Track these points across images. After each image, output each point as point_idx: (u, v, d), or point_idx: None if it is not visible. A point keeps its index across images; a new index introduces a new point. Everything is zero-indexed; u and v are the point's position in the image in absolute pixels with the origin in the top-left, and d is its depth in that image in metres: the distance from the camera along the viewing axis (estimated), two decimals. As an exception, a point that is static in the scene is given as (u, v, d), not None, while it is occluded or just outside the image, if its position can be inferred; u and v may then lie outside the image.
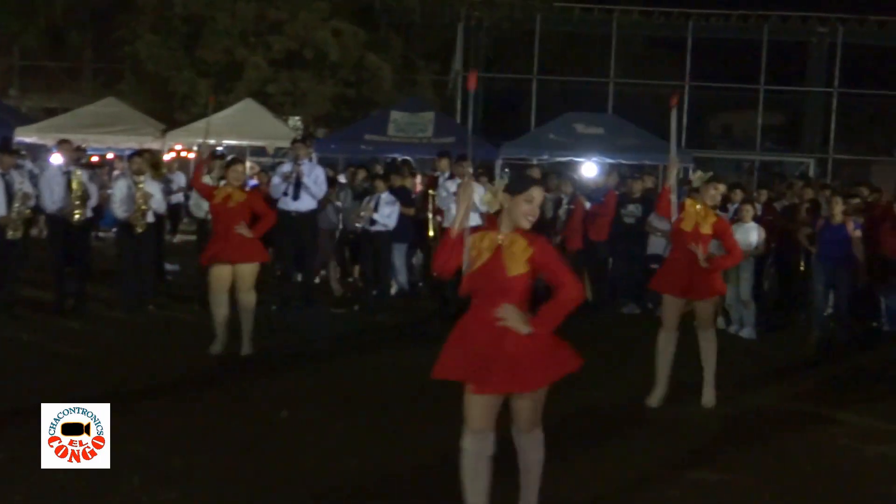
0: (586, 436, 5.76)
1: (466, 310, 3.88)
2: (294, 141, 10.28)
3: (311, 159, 10.75)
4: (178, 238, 15.82)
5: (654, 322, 7.42)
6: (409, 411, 6.06)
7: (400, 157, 15.35)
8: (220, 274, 7.39)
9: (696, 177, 6.66)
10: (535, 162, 17.80)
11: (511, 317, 3.66)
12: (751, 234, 9.23)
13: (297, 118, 22.46)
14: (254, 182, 11.72)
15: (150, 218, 9.32)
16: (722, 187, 6.58)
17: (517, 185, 3.81)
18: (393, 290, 10.75)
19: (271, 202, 10.42)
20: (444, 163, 10.09)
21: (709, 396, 6.44)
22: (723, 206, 10.00)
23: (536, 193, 3.76)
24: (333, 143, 17.89)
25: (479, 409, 3.78)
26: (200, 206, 9.48)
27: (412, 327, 9.13)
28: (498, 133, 20.67)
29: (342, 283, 11.22)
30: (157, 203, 9.39)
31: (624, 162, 17.20)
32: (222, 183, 7.80)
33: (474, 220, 9.15)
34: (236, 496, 4.55)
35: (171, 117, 21.16)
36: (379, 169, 12.51)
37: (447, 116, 20.21)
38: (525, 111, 23.31)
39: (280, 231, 9.88)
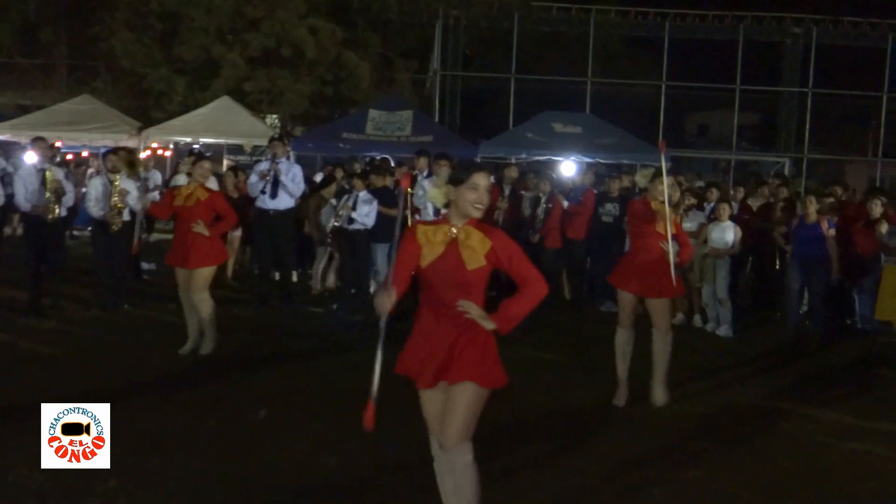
0: (563, 436, 5.77)
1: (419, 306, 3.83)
2: (271, 139, 10.22)
3: (288, 157, 10.71)
4: (153, 237, 15.69)
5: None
6: (388, 411, 6.02)
7: (378, 156, 15.31)
8: (180, 277, 7.45)
9: (640, 175, 6.69)
10: (513, 160, 17.82)
11: (473, 311, 3.58)
12: (727, 233, 9.31)
13: (274, 116, 22.35)
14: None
15: (125, 216, 9.25)
16: (670, 180, 6.53)
17: (460, 174, 3.71)
18: (372, 289, 10.72)
19: (249, 201, 10.38)
20: (423, 161, 10.07)
21: (658, 394, 6.39)
22: (699, 206, 10.10)
23: (481, 180, 3.64)
24: (311, 141, 17.79)
25: (429, 409, 3.76)
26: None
27: (391, 327, 9.09)
28: (476, 131, 20.70)
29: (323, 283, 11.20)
30: (133, 200, 9.31)
31: (602, 161, 17.25)
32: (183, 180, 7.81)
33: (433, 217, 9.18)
34: (214, 497, 4.51)
35: (146, 115, 21.00)
36: (357, 167, 12.48)
37: (425, 115, 20.17)
38: (503, 110, 23.35)
39: (258, 229, 9.86)
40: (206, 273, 7.40)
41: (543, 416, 6.14)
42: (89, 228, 11.39)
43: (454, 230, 3.67)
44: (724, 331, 9.33)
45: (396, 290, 3.66)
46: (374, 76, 22.55)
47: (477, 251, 3.62)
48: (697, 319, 9.79)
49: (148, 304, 9.69)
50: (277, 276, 10.35)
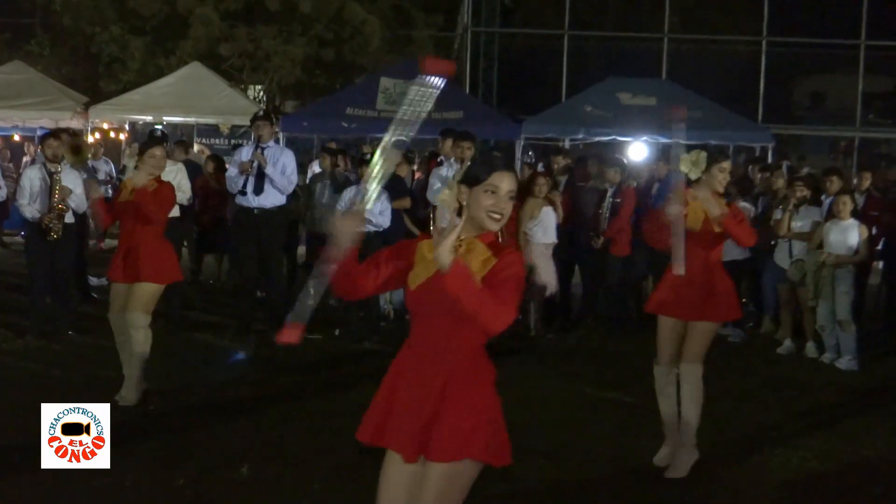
0: (633, 498, 5.75)
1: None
2: (255, 117, 10.29)
3: (277, 141, 10.80)
4: (105, 243, 15.88)
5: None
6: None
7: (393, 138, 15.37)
8: (116, 295, 7.35)
9: (686, 161, 6.47)
10: (566, 142, 17.83)
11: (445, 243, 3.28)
12: (850, 234, 9.23)
13: (258, 87, 22.52)
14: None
15: (68, 218, 9.36)
16: (728, 165, 6.39)
17: (476, 171, 3.59)
18: (384, 309, 10.77)
19: (227, 197, 10.49)
20: (449, 144, 10.11)
21: (679, 463, 6.11)
22: (815, 199, 10.02)
23: (503, 181, 3.51)
24: (306, 119, 17.93)
25: (393, 488, 3.66)
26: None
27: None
28: (519, 105, 20.73)
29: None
30: (78, 200, 9.41)
31: (682, 142, 17.18)
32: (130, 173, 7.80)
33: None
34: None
35: (95, 87, 21.26)
36: (367, 152, 12.52)
37: (453, 84, 20.23)
38: (554, 77, 23.34)
39: (239, 233, 9.93)
40: (151, 291, 7.27)
41: (608, 473, 6.12)
42: (22, 234, 11.56)
43: (456, 242, 3.42)
44: (845, 363, 9.25)
45: (353, 267, 3.60)
46: (385, 35, 22.65)
47: (476, 270, 3.45)
48: (811, 348, 9.71)
49: (97, 329, 9.77)
50: (261, 293, 10.43)
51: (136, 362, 7.21)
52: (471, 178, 3.57)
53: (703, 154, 6.27)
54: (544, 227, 10.07)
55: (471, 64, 23.52)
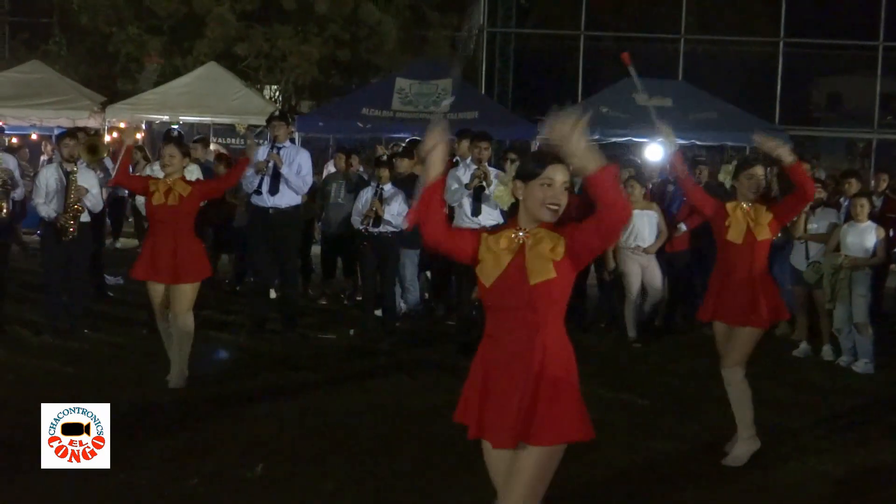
0: (649, 499, 5.74)
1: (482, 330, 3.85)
2: (271, 117, 10.32)
3: (293, 141, 10.80)
4: (120, 243, 15.94)
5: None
6: (419, 467, 6.06)
7: (408, 138, 15.38)
8: (155, 293, 7.69)
9: (725, 172, 6.60)
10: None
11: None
12: (867, 237, 9.19)
13: (274, 87, 22.56)
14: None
15: (84, 217, 9.39)
16: (759, 170, 6.49)
17: (530, 166, 3.72)
18: (402, 308, 10.78)
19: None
20: (465, 145, 10.10)
21: (739, 453, 6.34)
22: (831, 201, 9.99)
23: (557, 174, 3.64)
24: (322, 119, 17.96)
25: (499, 469, 3.77)
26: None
27: (423, 360, 9.14)
28: (534, 106, 20.67)
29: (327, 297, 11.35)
30: (94, 199, 9.44)
31: (698, 143, 17.16)
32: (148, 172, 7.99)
33: (495, 217, 9.19)
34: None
35: (112, 86, 21.32)
36: (382, 153, 12.55)
37: (469, 84, 20.24)
38: (570, 77, 23.31)
39: (254, 233, 9.94)
40: (193, 289, 7.69)
41: (622, 474, 6.11)
42: (38, 232, 11.60)
43: (521, 234, 3.69)
44: (862, 366, 9.20)
45: (437, 194, 3.73)
46: (401, 35, 22.66)
47: (545, 259, 3.61)
48: (828, 351, 9.67)
49: (113, 327, 9.82)
50: (274, 293, 10.45)
51: (185, 353, 7.70)
52: (526, 173, 3.70)
53: (733, 162, 6.44)
54: (635, 231, 10.02)
55: (486, 64, 23.50)
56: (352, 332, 9.98)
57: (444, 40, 24.08)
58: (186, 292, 7.62)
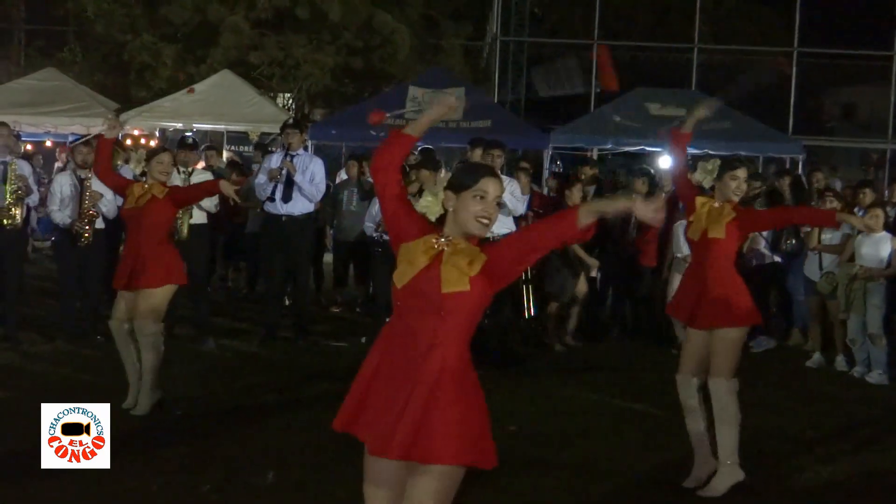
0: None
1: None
2: (284, 125, 10.35)
3: (306, 149, 10.82)
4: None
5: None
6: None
7: (420, 146, 15.39)
8: (122, 303, 7.26)
9: (702, 171, 6.35)
10: (594, 152, 17.79)
11: None
12: (882, 247, 9.17)
13: (287, 95, 22.61)
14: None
15: (99, 224, 9.42)
16: (742, 173, 6.22)
17: (463, 177, 3.63)
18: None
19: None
20: (479, 153, 10.10)
21: (717, 483, 5.88)
22: (845, 212, 9.94)
23: (491, 186, 3.56)
24: (335, 127, 17.98)
25: (377, 483, 3.68)
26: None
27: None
28: (547, 115, 20.71)
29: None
30: (109, 205, 9.47)
31: (711, 152, 17.10)
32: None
33: (508, 226, 9.14)
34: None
35: (126, 93, 21.40)
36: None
37: (482, 93, 20.26)
38: (583, 86, 23.32)
39: (267, 240, 9.97)
40: (159, 295, 7.20)
41: (635, 485, 6.09)
42: (52, 239, 11.65)
43: (442, 241, 3.58)
44: (876, 377, 9.16)
45: (406, 147, 3.80)
46: (415, 43, 22.70)
47: (462, 271, 3.51)
48: (841, 361, 9.63)
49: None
50: (288, 300, 10.47)
51: (150, 369, 7.14)
52: (458, 184, 3.61)
53: (717, 162, 6.19)
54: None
55: (499, 73, 23.52)
56: (363, 339, 9.97)
57: (458, 49, 24.13)
58: (147, 296, 7.10)
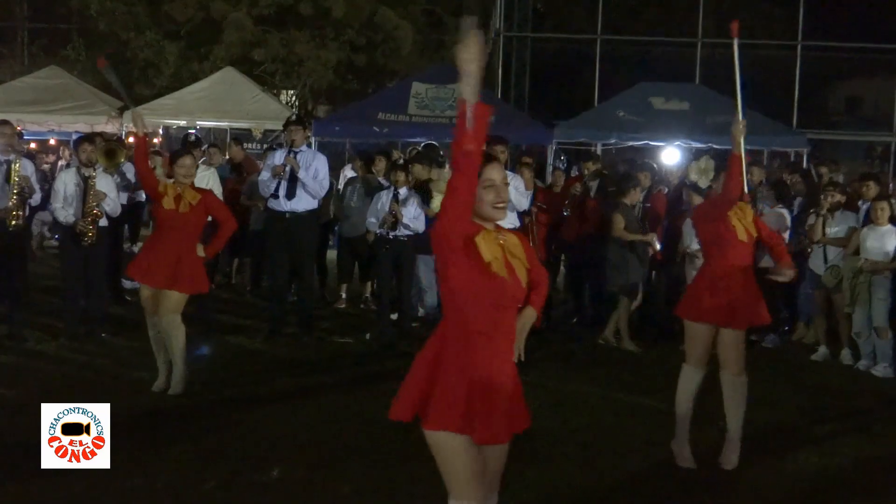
0: (670, 499, 5.73)
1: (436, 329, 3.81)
2: (288, 122, 10.34)
3: (309, 145, 10.82)
4: (137, 247, 15.98)
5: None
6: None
7: (423, 142, 15.40)
8: (145, 296, 7.68)
9: (696, 168, 6.41)
10: (598, 147, 17.78)
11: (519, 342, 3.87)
12: (887, 240, 9.16)
13: (291, 92, 22.62)
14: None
15: (102, 222, 9.43)
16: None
17: None
18: (419, 313, 10.81)
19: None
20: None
21: (731, 456, 6.25)
22: (850, 205, 9.94)
23: (495, 173, 3.73)
24: (338, 123, 17.99)
25: (474, 468, 3.72)
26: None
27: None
28: (551, 110, 20.69)
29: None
30: (112, 203, 9.48)
31: (715, 146, 17.10)
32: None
33: (512, 220, 9.19)
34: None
35: (129, 91, 21.41)
36: (398, 157, 12.57)
37: (485, 89, 20.22)
38: (586, 82, 23.29)
39: (271, 237, 9.98)
40: (184, 297, 7.64)
41: (640, 478, 6.10)
42: (56, 237, 11.66)
43: (499, 237, 3.76)
44: (882, 370, 9.16)
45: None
46: (418, 40, 22.70)
47: (523, 262, 3.78)
48: (847, 355, 9.63)
49: (130, 331, 9.85)
50: (294, 296, 10.48)
51: (178, 357, 7.58)
52: None
53: (711, 162, 6.24)
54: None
55: (503, 68, 23.51)
56: (368, 335, 9.99)
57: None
58: (173, 296, 7.51)
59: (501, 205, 3.73)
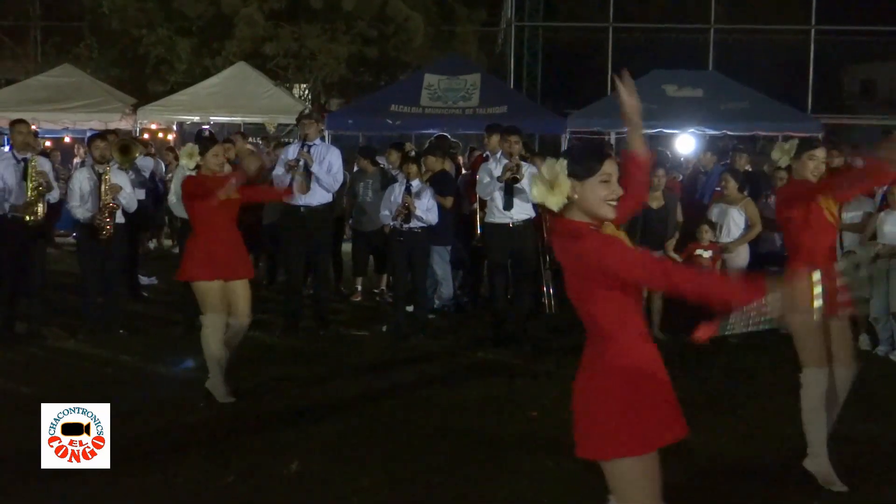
0: (690, 493, 5.71)
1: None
2: (301, 116, 10.35)
3: (323, 139, 10.82)
4: (153, 244, 16.06)
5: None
6: (454, 462, 6.06)
7: (435, 133, 15.39)
8: (215, 296, 7.45)
9: (780, 150, 6.27)
10: (612, 136, 17.74)
11: None
12: (903, 225, 9.11)
13: (303, 86, 22.62)
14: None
15: (119, 218, 9.47)
16: (821, 153, 6.10)
17: (585, 163, 3.59)
18: (435, 305, 10.82)
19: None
20: (495, 140, 10.10)
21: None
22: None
23: (612, 168, 3.59)
24: (351, 116, 18.00)
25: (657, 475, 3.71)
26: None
27: (456, 355, 9.14)
28: (564, 99, 20.65)
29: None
30: (128, 198, 9.52)
31: (730, 133, 17.06)
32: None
33: (527, 211, 9.20)
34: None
35: (142, 88, 21.46)
36: (410, 149, 12.55)
37: (497, 79, 20.21)
38: (599, 70, 23.23)
39: (286, 231, 10.00)
40: (249, 287, 7.68)
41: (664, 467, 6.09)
42: (73, 234, 11.71)
43: (615, 231, 3.70)
44: (900, 355, 9.14)
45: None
46: (429, 31, 22.66)
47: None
48: (865, 340, 9.58)
49: (148, 328, 9.90)
50: (309, 290, 10.49)
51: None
52: (583, 171, 3.58)
53: (795, 142, 6.12)
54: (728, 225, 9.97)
55: (514, 58, 23.48)
56: (384, 328, 10.00)
57: (473, 35, 24.08)
58: (246, 289, 7.59)
59: (614, 202, 3.60)
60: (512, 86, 21.99)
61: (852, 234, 9.63)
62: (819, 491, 5.70)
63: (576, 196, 3.57)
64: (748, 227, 10.02)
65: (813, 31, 23.12)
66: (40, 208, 9.23)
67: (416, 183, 9.77)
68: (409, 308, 10.06)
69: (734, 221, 9.93)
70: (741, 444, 6.55)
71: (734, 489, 5.79)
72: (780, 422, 6.68)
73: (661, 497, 3.65)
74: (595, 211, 3.59)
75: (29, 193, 9.10)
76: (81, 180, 9.44)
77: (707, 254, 9.65)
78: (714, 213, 10.01)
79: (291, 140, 11.96)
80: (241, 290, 7.53)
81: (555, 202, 3.54)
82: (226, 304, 7.47)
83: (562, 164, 3.56)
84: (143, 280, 12.00)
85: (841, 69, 27.86)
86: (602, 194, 3.56)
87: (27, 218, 9.10)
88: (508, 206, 9.23)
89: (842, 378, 5.98)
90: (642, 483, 3.61)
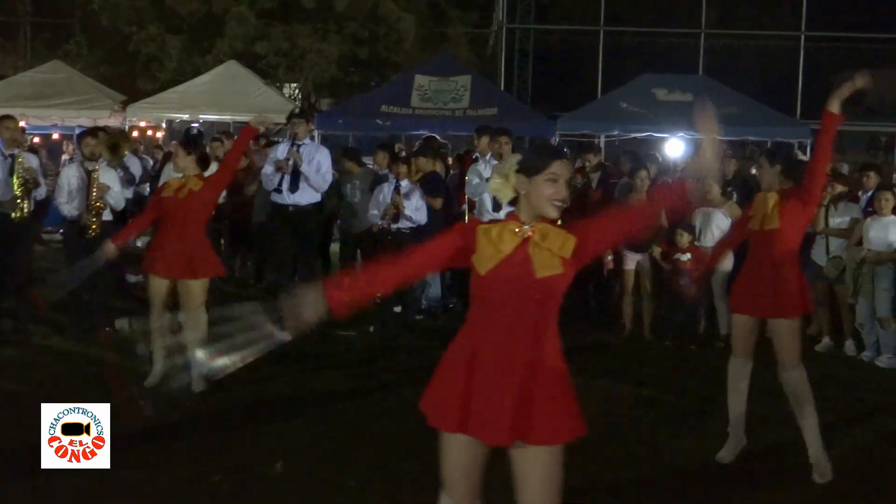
0: (673, 495, 5.73)
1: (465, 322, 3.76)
2: (290, 115, 10.35)
3: (312, 139, 10.82)
4: (141, 241, 15.98)
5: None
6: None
7: (425, 134, 15.41)
8: (161, 290, 7.54)
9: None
10: (601, 139, 17.77)
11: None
12: (891, 231, 9.14)
13: (294, 85, 22.62)
14: None
15: (106, 216, 9.44)
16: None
17: (534, 160, 3.63)
18: (423, 305, 10.82)
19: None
20: (485, 141, 10.12)
21: (823, 469, 5.96)
22: (851, 195, 9.94)
23: (562, 169, 3.59)
24: (341, 116, 17.98)
25: (461, 462, 3.72)
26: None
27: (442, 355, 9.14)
28: (554, 102, 20.67)
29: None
30: (116, 197, 9.50)
31: (719, 138, 17.08)
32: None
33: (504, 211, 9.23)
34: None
35: (132, 85, 21.43)
36: (401, 150, 12.57)
37: (487, 81, 20.23)
38: (589, 73, 23.27)
39: (274, 230, 9.99)
40: (206, 284, 7.58)
41: (646, 471, 6.10)
42: (61, 231, 11.67)
43: (526, 228, 3.62)
44: (885, 361, 9.15)
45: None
46: (420, 32, 22.68)
47: (553, 254, 3.57)
48: (850, 346, 9.62)
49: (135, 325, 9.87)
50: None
51: (200, 344, 7.40)
52: (531, 168, 3.62)
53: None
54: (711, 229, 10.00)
55: (505, 60, 23.50)
56: (371, 328, 10.00)
57: (463, 37, 24.10)
58: (196, 286, 7.47)
59: (559, 203, 3.60)
60: (502, 88, 22.03)
61: (838, 239, 9.66)
62: (808, 491, 5.73)
63: (523, 192, 3.64)
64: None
65: (803, 37, 23.23)
66: (26, 205, 9.20)
67: (405, 183, 9.78)
68: (397, 308, 10.06)
69: (717, 225, 9.94)
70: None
71: (724, 492, 5.81)
72: (770, 425, 6.71)
73: (452, 481, 3.80)
74: (539, 208, 3.62)
75: (15, 189, 9.08)
76: (70, 177, 9.40)
77: (685, 257, 9.66)
78: (698, 217, 10.03)
79: (281, 139, 11.96)
80: (194, 288, 7.46)
81: (504, 195, 3.63)
82: (165, 297, 7.55)
83: (515, 159, 3.65)
84: (131, 278, 11.96)
85: (830, 75, 27.94)
86: (547, 193, 3.59)
87: (13, 214, 9.09)
88: (497, 207, 9.24)
89: (790, 381, 6.07)
90: (444, 458, 3.78)
